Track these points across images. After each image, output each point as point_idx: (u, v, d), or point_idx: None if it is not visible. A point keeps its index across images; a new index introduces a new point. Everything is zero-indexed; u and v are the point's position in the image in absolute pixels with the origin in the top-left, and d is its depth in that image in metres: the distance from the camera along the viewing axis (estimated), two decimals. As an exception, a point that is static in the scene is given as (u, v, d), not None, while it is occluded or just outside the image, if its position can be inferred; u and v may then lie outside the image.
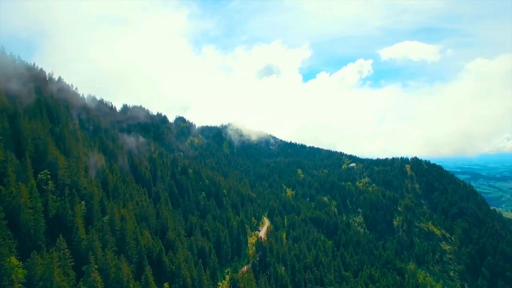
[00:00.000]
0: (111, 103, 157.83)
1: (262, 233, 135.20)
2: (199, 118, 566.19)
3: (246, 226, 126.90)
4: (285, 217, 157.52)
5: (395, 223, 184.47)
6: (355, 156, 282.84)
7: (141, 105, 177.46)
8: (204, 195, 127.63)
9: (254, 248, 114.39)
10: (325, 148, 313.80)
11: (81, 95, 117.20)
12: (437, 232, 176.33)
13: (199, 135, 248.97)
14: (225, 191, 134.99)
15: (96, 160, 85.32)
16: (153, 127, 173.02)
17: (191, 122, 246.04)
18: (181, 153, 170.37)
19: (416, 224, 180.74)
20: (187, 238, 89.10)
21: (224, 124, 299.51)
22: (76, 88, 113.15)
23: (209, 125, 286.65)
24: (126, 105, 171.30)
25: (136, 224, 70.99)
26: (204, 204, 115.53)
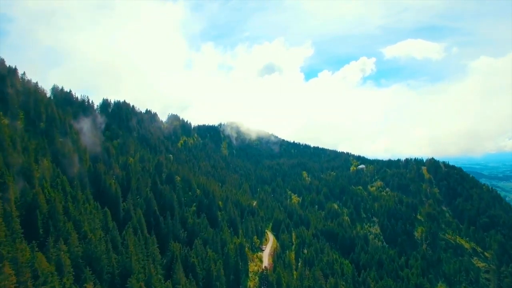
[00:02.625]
0: (86, 97, 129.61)
1: (266, 254, 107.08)
2: (198, 118, 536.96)
3: (246, 247, 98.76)
4: (293, 231, 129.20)
5: (416, 234, 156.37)
6: (364, 157, 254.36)
7: (125, 100, 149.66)
8: (195, 208, 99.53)
9: (257, 279, 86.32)
10: (327, 148, 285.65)
11: (34, 83, 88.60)
12: (467, 245, 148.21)
13: (195, 134, 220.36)
14: (220, 203, 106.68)
15: (29, 170, 56.95)
16: (139, 125, 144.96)
17: (186, 120, 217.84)
18: (171, 156, 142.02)
19: (441, 235, 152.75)
20: (164, 281, 60.65)
21: (222, 123, 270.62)
22: (24, 73, 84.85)
23: (206, 124, 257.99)
24: (107, 100, 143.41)
25: (69, 275, 42.69)
26: (192, 222, 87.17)
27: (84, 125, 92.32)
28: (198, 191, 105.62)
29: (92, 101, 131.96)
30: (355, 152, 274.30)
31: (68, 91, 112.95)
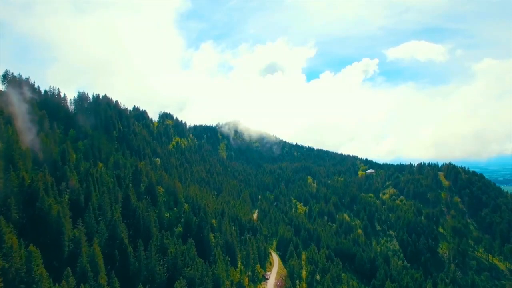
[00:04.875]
0: (57, 89, 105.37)
1: (272, 283, 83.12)
2: (197, 119, 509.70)
3: (247, 277, 74.84)
4: (302, 252, 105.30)
5: (440, 251, 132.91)
6: (371, 161, 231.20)
7: (105, 94, 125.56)
8: (181, 230, 75.47)
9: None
10: (330, 150, 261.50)
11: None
12: (501, 266, 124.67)
13: (190, 135, 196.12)
14: (214, 221, 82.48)
15: None
16: (121, 124, 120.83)
17: (180, 119, 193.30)
18: (158, 160, 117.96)
19: (469, 253, 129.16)
20: None
21: (220, 123, 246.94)
22: None
23: (203, 124, 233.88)
24: (84, 93, 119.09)
25: None
26: (175, 253, 62.89)
27: (32, 121, 68.19)
28: (186, 206, 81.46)
29: (64, 94, 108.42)
30: (359, 154, 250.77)
31: (25, 78, 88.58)
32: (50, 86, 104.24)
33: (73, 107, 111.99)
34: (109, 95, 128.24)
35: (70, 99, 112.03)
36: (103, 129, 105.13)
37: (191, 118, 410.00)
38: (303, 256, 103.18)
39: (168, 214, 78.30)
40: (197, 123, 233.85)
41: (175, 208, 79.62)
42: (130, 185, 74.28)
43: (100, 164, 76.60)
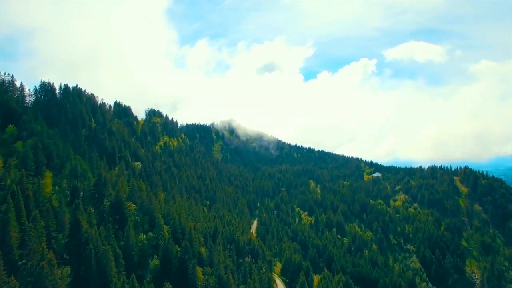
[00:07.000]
0: (11, 76, 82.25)
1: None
2: (193, 119, 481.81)
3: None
4: (313, 277, 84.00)
5: (467, 270, 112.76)
6: (377, 163, 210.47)
7: (77, 85, 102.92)
8: (157, 263, 53.51)
9: None
10: (329, 151, 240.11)
11: None
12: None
13: (181, 135, 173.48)
14: (203, 249, 60.57)
15: None
16: (95, 121, 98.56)
17: (170, 118, 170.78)
18: (139, 164, 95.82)
19: (506, 274, 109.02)
20: None
21: (215, 122, 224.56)
22: None
23: (196, 123, 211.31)
24: (48, 83, 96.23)
25: None
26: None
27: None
28: (165, 228, 59.37)
29: (21, 83, 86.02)
30: (358, 155, 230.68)
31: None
32: (4, 73, 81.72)
33: (33, 100, 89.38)
34: (95, 92, 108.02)
35: (29, 90, 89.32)
36: (69, 127, 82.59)
37: (186, 118, 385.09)
38: (315, 283, 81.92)
39: (143, 236, 56.32)
40: (190, 122, 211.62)
41: (150, 233, 57.55)
42: (82, 203, 52.16)
43: (48, 174, 54.27)
